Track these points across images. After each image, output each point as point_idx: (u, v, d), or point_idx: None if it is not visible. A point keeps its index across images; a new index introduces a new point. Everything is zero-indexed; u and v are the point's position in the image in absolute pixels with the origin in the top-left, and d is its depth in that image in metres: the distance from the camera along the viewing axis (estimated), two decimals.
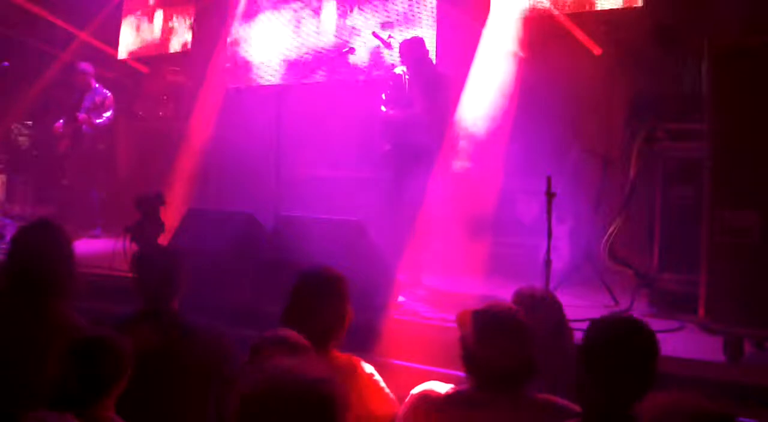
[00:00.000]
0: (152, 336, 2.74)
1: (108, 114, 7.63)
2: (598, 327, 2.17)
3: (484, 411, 2.33)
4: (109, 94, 7.70)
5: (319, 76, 7.46)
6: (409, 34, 6.98)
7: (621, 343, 2.08)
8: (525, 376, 2.35)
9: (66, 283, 3.04)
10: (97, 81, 7.80)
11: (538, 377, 2.36)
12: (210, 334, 3.07)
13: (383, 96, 5.68)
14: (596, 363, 2.07)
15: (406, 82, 5.58)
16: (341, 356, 2.81)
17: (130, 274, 3.32)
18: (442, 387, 2.52)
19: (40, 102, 8.86)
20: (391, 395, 2.80)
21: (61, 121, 7.71)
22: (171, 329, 2.96)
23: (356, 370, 2.79)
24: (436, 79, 5.52)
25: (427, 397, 2.51)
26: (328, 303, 2.82)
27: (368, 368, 2.83)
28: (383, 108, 5.63)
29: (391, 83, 5.74)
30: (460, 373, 2.52)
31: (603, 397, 2.05)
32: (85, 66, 7.79)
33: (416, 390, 2.58)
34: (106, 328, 2.58)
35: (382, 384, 2.82)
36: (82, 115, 7.52)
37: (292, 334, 2.41)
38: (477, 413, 2.35)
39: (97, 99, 7.61)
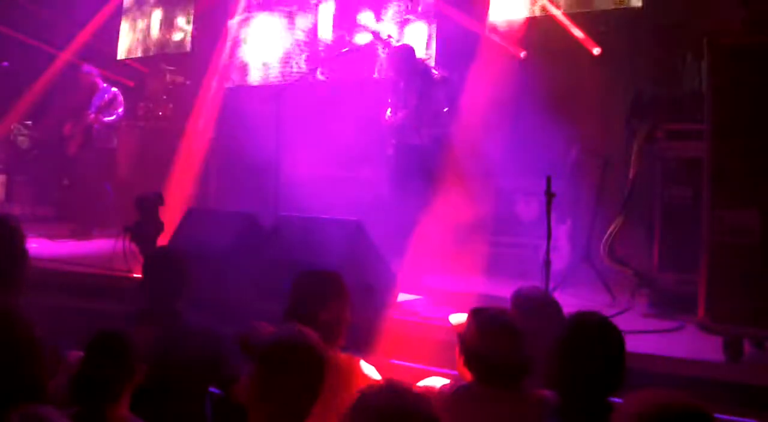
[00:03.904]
0: (152, 336, 2.73)
1: (119, 110, 7.64)
2: (573, 324, 2.30)
3: (487, 406, 2.36)
4: (117, 91, 7.70)
5: (319, 76, 7.46)
6: (408, 34, 6.99)
7: (595, 339, 2.22)
8: (523, 372, 2.38)
9: (16, 278, 3.05)
10: (104, 81, 7.80)
11: (537, 375, 2.38)
12: (209, 335, 3.08)
13: (389, 100, 5.66)
14: (573, 357, 2.20)
15: (402, 88, 5.57)
16: (341, 356, 2.81)
17: (130, 274, 3.36)
18: (443, 383, 2.53)
19: (41, 102, 8.86)
20: None
21: (68, 123, 7.66)
22: (170, 329, 2.96)
23: (356, 370, 2.80)
24: (430, 81, 5.49)
25: (428, 394, 2.52)
26: (329, 305, 2.83)
27: (368, 368, 2.84)
28: (388, 112, 5.61)
29: (391, 90, 5.73)
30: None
31: (580, 389, 2.17)
32: (89, 68, 7.80)
33: (417, 386, 2.59)
34: (117, 326, 2.60)
35: None
36: (91, 115, 7.50)
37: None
38: (479, 408, 2.37)
39: (107, 97, 7.61)
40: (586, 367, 2.16)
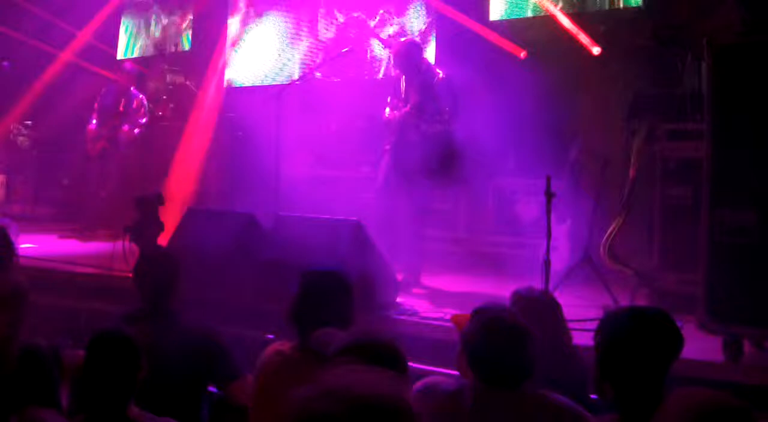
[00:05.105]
0: (147, 335, 2.73)
1: (144, 120, 7.71)
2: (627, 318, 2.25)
3: (488, 406, 2.35)
4: (143, 98, 7.76)
5: (319, 76, 7.46)
6: (408, 34, 6.99)
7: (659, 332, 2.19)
8: (525, 372, 2.37)
9: None
10: (136, 83, 7.84)
11: (536, 376, 2.38)
12: (205, 334, 3.08)
13: (388, 99, 5.67)
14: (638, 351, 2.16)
15: (403, 84, 5.57)
16: None
17: (129, 274, 3.37)
18: (443, 383, 2.53)
19: (41, 102, 8.86)
20: None
21: (94, 122, 7.67)
22: (166, 328, 2.96)
23: None
24: (432, 79, 5.49)
25: (429, 393, 2.51)
26: (337, 304, 2.82)
27: None
28: (387, 110, 5.61)
29: (391, 88, 5.74)
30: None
31: (640, 383, 2.13)
32: (131, 65, 7.85)
33: (417, 386, 2.58)
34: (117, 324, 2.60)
35: None
36: (125, 126, 7.55)
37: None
38: (480, 409, 2.36)
39: (134, 104, 7.65)
40: (649, 361, 2.16)
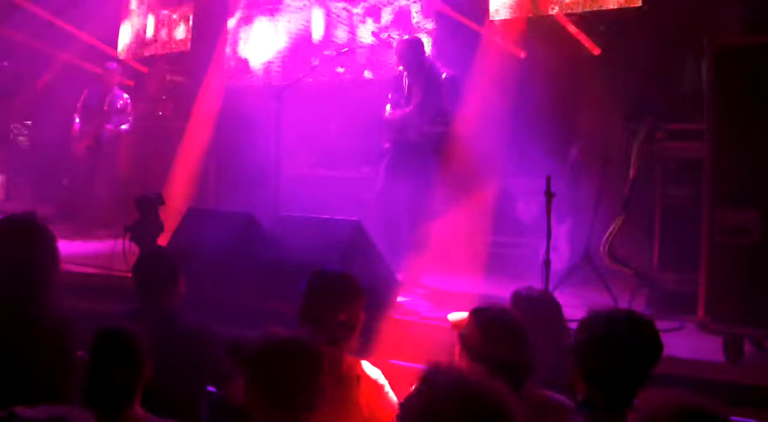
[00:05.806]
0: (147, 335, 2.73)
1: (129, 119, 7.81)
2: (599, 321, 2.22)
3: None
4: (127, 97, 7.83)
5: (318, 75, 7.45)
6: (407, 34, 6.98)
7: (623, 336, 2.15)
8: (525, 372, 2.38)
9: (49, 276, 3.05)
10: (120, 82, 7.91)
11: (536, 376, 2.38)
12: (204, 334, 3.08)
13: (389, 95, 5.67)
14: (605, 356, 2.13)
15: (406, 82, 5.57)
16: (348, 358, 2.81)
17: (129, 274, 3.37)
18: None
19: (41, 101, 8.86)
20: (395, 400, 2.80)
21: (78, 121, 7.73)
22: (166, 328, 2.96)
23: (361, 373, 2.79)
24: (436, 79, 5.50)
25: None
26: (348, 306, 2.82)
27: (374, 372, 2.83)
28: (388, 107, 5.62)
29: (392, 85, 5.74)
30: None
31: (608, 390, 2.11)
32: (114, 65, 7.95)
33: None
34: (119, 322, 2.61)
35: (387, 388, 2.82)
36: (109, 126, 7.63)
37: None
38: None
39: (119, 103, 7.72)
40: (629, 364, 2.14)
